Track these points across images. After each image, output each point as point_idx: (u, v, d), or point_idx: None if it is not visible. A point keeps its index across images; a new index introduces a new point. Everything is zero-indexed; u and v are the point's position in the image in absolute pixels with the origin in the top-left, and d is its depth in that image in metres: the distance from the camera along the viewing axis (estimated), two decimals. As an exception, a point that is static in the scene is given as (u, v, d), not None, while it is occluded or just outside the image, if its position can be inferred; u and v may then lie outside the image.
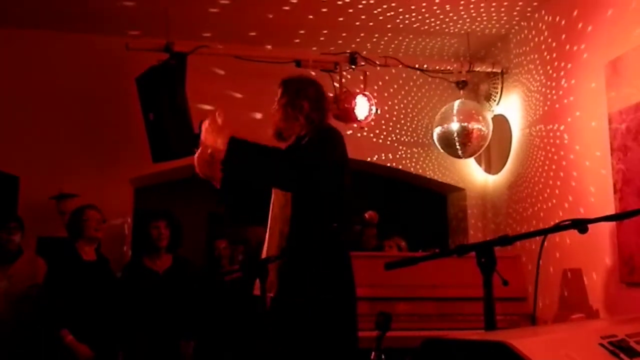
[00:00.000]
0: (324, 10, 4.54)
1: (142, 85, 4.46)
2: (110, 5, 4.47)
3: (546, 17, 4.45)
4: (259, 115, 5.14)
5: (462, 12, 4.58)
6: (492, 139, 4.94)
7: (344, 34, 4.93)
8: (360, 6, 4.48)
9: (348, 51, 4.83)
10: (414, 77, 5.38)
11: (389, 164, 5.35)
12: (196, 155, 2.69)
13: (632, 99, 3.42)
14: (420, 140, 5.41)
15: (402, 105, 5.40)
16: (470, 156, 5.03)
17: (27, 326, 3.80)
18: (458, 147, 4.84)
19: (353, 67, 4.77)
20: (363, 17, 4.64)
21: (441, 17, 4.65)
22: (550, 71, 4.36)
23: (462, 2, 4.44)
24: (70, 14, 4.61)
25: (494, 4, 4.49)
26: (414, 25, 4.79)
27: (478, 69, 5.06)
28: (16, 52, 4.84)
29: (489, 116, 4.99)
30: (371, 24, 4.75)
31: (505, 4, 4.48)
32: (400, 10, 4.54)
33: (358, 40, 5.00)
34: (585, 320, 3.47)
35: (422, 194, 6.01)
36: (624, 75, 3.50)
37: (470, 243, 4.68)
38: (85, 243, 3.97)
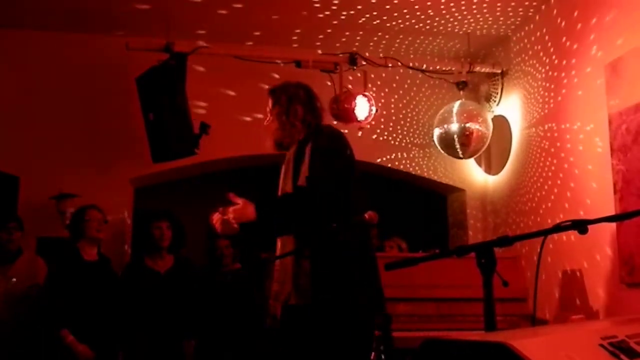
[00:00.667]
0: (325, 11, 4.54)
1: (142, 86, 4.46)
2: (110, 6, 4.48)
3: (546, 18, 4.45)
4: (259, 115, 5.14)
5: (463, 13, 4.59)
6: (492, 140, 4.94)
7: (344, 35, 4.93)
8: (361, 7, 4.48)
9: (348, 52, 4.83)
10: (414, 78, 5.38)
11: (389, 165, 5.35)
12: (221, 225, 2.66)
13: (632, 100, 3.42)
14: (420, 141, 5.41)
15: (402, 106, 5.40)
16: (470, 157, 5.03)
17: (26, 326, 3.80)
18: (458, 147, 4.84)
19: (353, 67, 4.77)
20: (363, 17, 4.64)
21: (441, 17, 4.65)
22: (550, 72, 4.36)
23: (462, 3, 4.44)
24: (69, 14, 4.61)
25: (494, 5, 4.49)
26: (415, 26, 4.79)
27: (478, 69, 5.06)
28: (16, 52, 4.84)
29: (489, 117, 4.99)
30: (372, 24, 4.75)
31: (506, 4, 4.48)
32: (401, 11, 4.54)
33: (358, 40, 5.00)
34: (585, 321, 3.47)
35: (422, 195, 6.01)
36: (623, 76, 3.50)
37: (470, 244, 4.69)
38: (87, 243, 3.97)
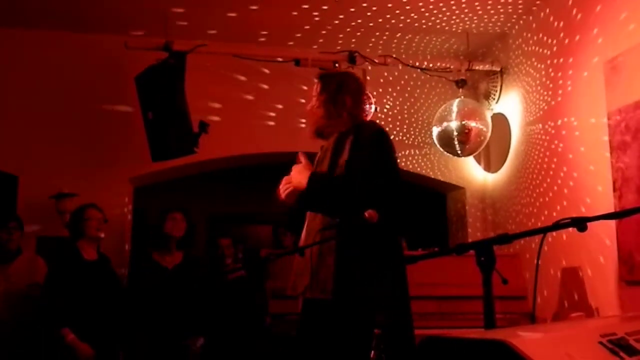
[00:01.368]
0: (324, 10, 4.54)
1: (141, 85, 4.46)
2: (109, 5, 4.47)
3: (545, 16, 4.45)
4: (259, 116, 5.15)
5: (462, 11, 4.58)
6: (492, 138, 4.94)
7: (343, 33, 4.93)
8: (360, 6, 4.48)
9: (347, 50, 4.83)
10: (413, 76, 5.38)
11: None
12: (287, 190, 2.61)
13: (631, 97, 3.42)
14: (419, 139, 5.41)
15: (401, 104, 5.40)
16: (469, 155, 5.03)
17: (26, 325, 3.80)
18: (457, 145, 4.84)
19: (352, 66, 4.76)
20: (363, 16, 4.63)
21: (440, 15, 4.65)
22: (550, 69, 4.36)
23: (461, 1, 4.44)
24: (69, 14, 4.60)
25: (493, 3, 4.49)
26: (414, 24, 4.79)
27: (477, 67, 5.06)
28: (15, 52, 4.83)
29: (488, 115, 4.99)
30: (371, 23, 4.75)
31: (505, 2, 4.48)
32: (400, 9, 4.54)
33: (358, 39, 5.00)
34: (584, 318, 3.48)
35: (422, 193, 6.01)
36: (623, 73, 3.50)
37: (469, 242, 4.68)
38: (87, 242, 3.97)
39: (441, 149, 5.02)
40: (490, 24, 4.84)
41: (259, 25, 4.82)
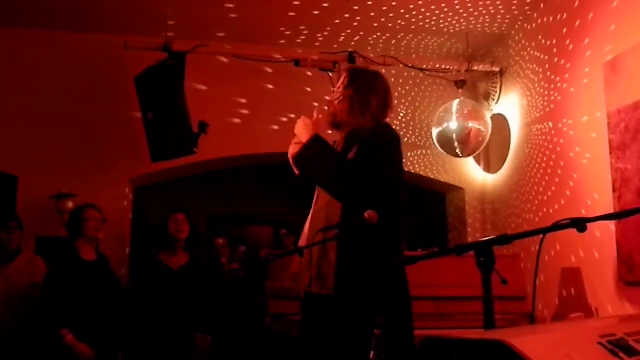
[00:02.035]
0: (324, 10, 4.54)
1: (140, 85, 4.46)
2: (109, 5, 4.47)
3: (545, 16, 4.45)
4: (259, 116, 5.15)
5: (461, 11, 4.59)
6: (491, 138, 4.95)
7: (343, 34, 4.94)
8: (360, 6, 4.48)
9: (347, 50, 4.83)
10: (413, 77, 5.39)
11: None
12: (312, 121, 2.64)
13: (631, 98, 3.42)
14: (419, 140, 5.42)
15: (401, 105, 5.40)
16: (469, 155, 5.03)
17: (26, 326, 3.80)
18: (457, 146, 4.84)
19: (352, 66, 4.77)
20: (362, 16, 4.64)
21: (440, 16, 4.65)
22: (549, 70, 4.37)
23: (461, 2, 4.44)
24: (68, 14, 4.61)
25: (493, 3, 4.49)
26: (413, 25, 4.79)
27: (477, 68, 5.07)
28: (15, 52, 4.84)
29: (488, 115, 4.99)
30: (371, 23, 4.75)
31: (504, 3, 4.48)
32: (400, 9, 4.54)
33: (357, 39, 5.00)
34: (584, 319, 3.47)
35: (421, 193, 6.01)
36: (622, 74, 3.50)
37: (469, 242, 4.69)
38: (85, 243, 3.96)
39: (441, 150, 5.02)
40: (490, 25, 4.84)
41: (259, 26, 4.82)
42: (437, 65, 5.15)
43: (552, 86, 4.32)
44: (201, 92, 4.85)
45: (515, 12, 4.63)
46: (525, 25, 4.73)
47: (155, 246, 4.28)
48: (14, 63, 4.82)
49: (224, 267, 4.71)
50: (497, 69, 5.06)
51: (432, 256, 1.92)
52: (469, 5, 4.49)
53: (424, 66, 5.14)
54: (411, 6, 4.50)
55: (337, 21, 4.71)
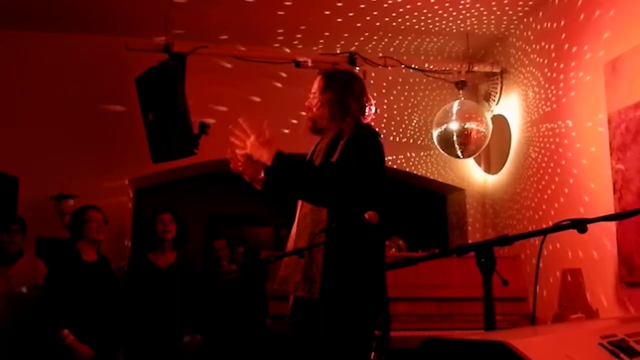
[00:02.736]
0: (325, 11, 4.54)
1: (141, 86, 4.46)
2: (110, 7, 4.48)
3: (545, 17, 4.45)
4: (259, 117, 5.14)
5: (462, 13, 4.59)
6: (492, 139, 4.95)
7: (344, 35, 4.94)
8: (360, 7, 4.48)
9: (348, 51, 4.83)
10: (414, 78, 5.39)
11: (388, 164, 5.35)
12: (235, 160, 2.59)
13: (631, 99, 3.42)
14: (419, 141, 5.42)
15: (401, 106, 5.41)
16: (469, 156, 5.03)
17: (27, 327, 3.80)
18: (457, 147, 4.84)
19: (353, 67, 4.76)
20: (363, 17, 4.64)
21: (440, 17, 4.65)
22: (550, 71, 4.37)
23: (461, 3, 4.44)
24: (69, 15, 4.61)
25: (493, 4, 4.49)
26: (414, 26, 4.79)
27: (477, 69, 5.07)
28: (15, 53, 4.84)
29: (488, 116, 4.99)
30: (371, 24, 4.75)
31: (505, 4, 4.49)
32: (400, 11, 4.54)
33: (358, 40, 5.00)
34: (584, 320, 3.47)
35: (422, 194, 6.02)
36: (623, 75, 3.50)
37: (469, 243, 4.69)
38: (87, 244, 3.96)
39: (441, 151, 5.02)
40: (491, 26, 4.84)
41: (259, 27, 4.82)
42: (438, 67, 5.15)
43: (553, 87, 4.32)
44: (202, 93, 4.85)
45: (516, 13, 4.64)
46: (526, 25, 4.73)
47: (143, 246, 4.31)
48: (16, 64, 4.83)
49: (224, 269, 4.71)
50: (497, 70, 5.07)
51: (433, 257, 1.92)
52: (470, 6, 4.49)
53: (425, 67, 5.14)
54: (412, 7, 4.50)
55: (339, 21, 4.71)
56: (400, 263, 1.86)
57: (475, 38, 4.99)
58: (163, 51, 4.42)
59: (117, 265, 4.43)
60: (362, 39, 4.99)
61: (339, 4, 4.45)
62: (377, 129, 2.76)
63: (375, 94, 4.94)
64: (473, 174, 5.45)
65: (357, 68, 4.74)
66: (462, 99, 5.00)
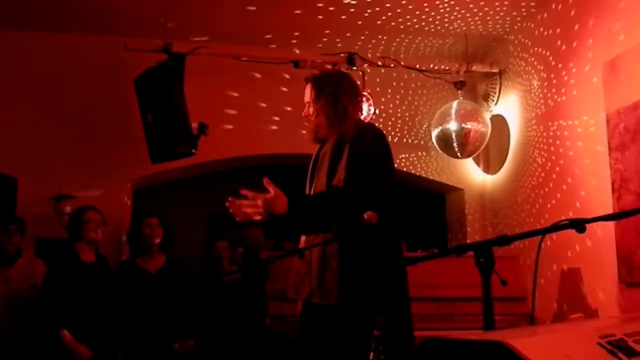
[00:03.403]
0: (324, 12, 4.54)
1: (140, 86, 4.46)
2: (109, 6, 4.47)
3: (544, 17, 4.45)
4: (259, 117, 5.15)
5: (461, 12, 4.59)
6: (491, 139, 4.95)
7: (343, 35, 4.93)
8: (359, 7, 4.48)
9: (347, 52, 4.83)
10: (412, 78, 5.39)
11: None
12: (258, 216, 2.51)
13: (630, 99, 3.42)
14: (418, 141, 5.42)
15: (400, 106, 5.41)
16: (468, 156, 5.04)
17: (26, 327, 3.80)
18: (456, 147, 4.84)
19: (352, 68, 4.77)
20: (362, 18, 4.64)
21: (439, 17, 4.65)
22: (548, 71, 4.37)
23: (460, 3, 4.44)
24: (68, 15, 4.60)
25: (492, 4, 4.49)
26: (413, 26, 4.79)
27: (476, 69, 5.07)
28: (14, 53, 4.84)
29: (487, 116, 4.99)
30: (370, 24, 4.75)
31: (503, 4, 4.49)
32: (399, 10, 4.54)
33: (357, 41, 5.00)
34: (583, 319, 3.48)
35: (421, 194, 6.02)
36: (621, 74, 3.51)
37: (468, 243, 4.69)
38: (85, 244, 3.96)
39: (440, 151, 5.02)
40: (489, 26, 4.84)
41: (258, 27, 4.82)
42: (436, 67, 5.15)
43: (551, 87, 4.33)
44: (201, 93, 4.85)
45: (515, 13, 4.64)
46: (525, 26, 4.74)
47: (132, 251, 4.28)
48: (14, 65, 4.82)
49: (225, 270, 4.70)
50: (496, 70, 5.07)
51: (432, 257, 1.92)
52: (468, 6, 4.49)
53: (424, 67, 5.14)
54: (411, 7, 4.50)
55: (338, 22, 4.71)
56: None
57: (474, 38, 4.99)
58: (162, 51, 4.42)
59: (116, 265, 4.43)
60: (361, 39, 4.99)
61: (339, 4, 4.44)
62: (379, 129, 2.73)
63: (374, 94, 4.96)
64: (472, 174, 5.45)
65: (354, 68, 4.75)
66: (461, 99, 5.00)
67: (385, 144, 2.57)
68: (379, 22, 4.72)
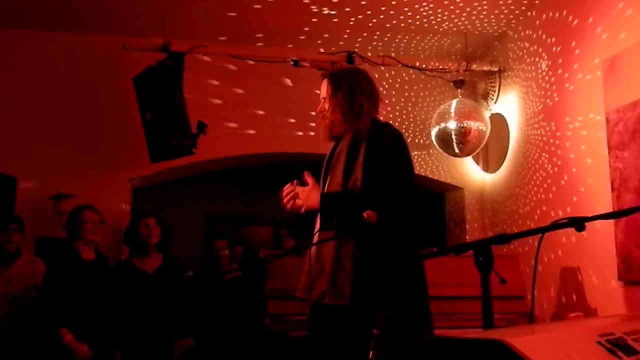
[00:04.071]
0: (323, 11, 4.54)
1: (139, 85, 4.46)
2: (108, 5, 4.47)
3: (543, 16, 4.45)
4: (258, 116, 5.15)
5: (460, 11, 4.59)
6: (490, 138, 4.95)
7: (342, 34, 4.93)
8: (359, 6, 4.48)
9: (346, 50, 4.83)
10: (412, 76, 5.39)
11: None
12: (295, 208, 2.53)
13: (630, 97, 3.42)
14: (418, 139, 5.42)
15: (399, 104, 5.41)
16: (468, 155, 5.03)
17: (26, 326, 3.80)
18: (456, 146, 4.84)
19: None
20: (361, 16, 4.64)
21: (439, 15, 4.65)
22: (548, 69, 4.37)
23: (459, 1, 4.44)
24: (67, 14, 4.60)
25: (491, 3, 4.49)
26: (412, 25, 4.79)
27: (475, 67, 5.07)
28: (13, 53, 4.84)
29: (486, 115, 4.99)
30: (369, 23, 4.75)
31: (503, 2, 4.49)
32: (398, 9, 4.54)
33: (356, 39, 5.00)
34: (583, 318, 3.48)
35: (420, 193, 6.01)
36: (621, 73, 3.51)
37: (467, 242, 4.69)
38: (84, 244, 3.96)
39: (440, 149, 5.02)
40: (489, 25, 4.84)
41: (258, 26, 4.82)
42: (436, 65, 5.15)
43: (551, 85, 4.33)
44: (200, 92, 4.85)
45: (514, 12, 4.64)
46: (524, 24, 4.73)
47: (129, 250, 4.27)
48: (13, 64, 4.82)
49: (225, 269, 4.70)
50: (495, 69, 5.06)
51: (431, 256, 1.92)
52: (468, 5, 4.49)
53: (423, 66, 5.14)
54: (410, 6, 4.50)
55: (337, 21, 4.71)
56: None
57: (474, 36, 4.99)
58: (161, 50, 4.42)
59: (114, 265, 4.43)
60: (360, 38, 4.99)
61: (338, 3, 4.44)
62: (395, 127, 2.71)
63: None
64: (471, 173, 5.45)
65: (354, 67, 4.75)
66: (461, 97, 5.00)
67: (403, 142, 2.56)
68: (378, 20, 4.72)
